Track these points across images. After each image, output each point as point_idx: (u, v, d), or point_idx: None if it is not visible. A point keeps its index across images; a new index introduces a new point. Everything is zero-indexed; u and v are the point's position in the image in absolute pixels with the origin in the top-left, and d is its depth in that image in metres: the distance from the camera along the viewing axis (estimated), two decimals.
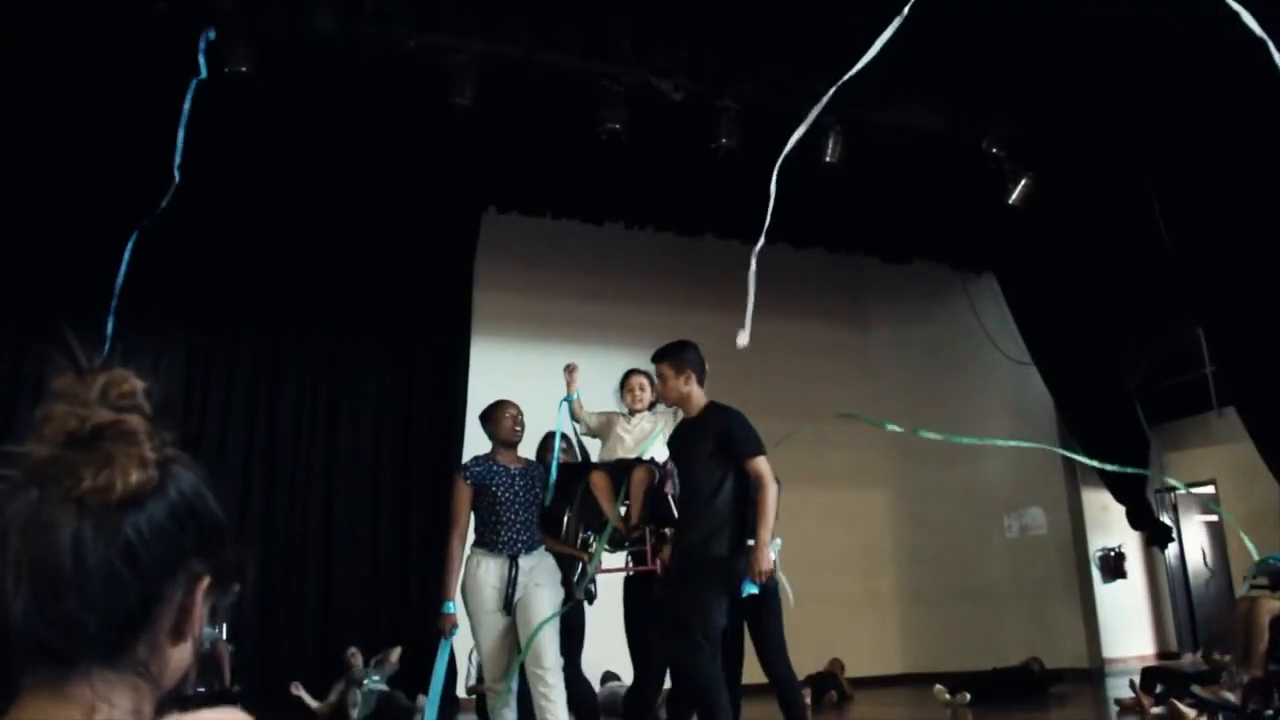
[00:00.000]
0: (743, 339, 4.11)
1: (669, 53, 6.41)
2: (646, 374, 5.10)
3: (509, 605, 4.23)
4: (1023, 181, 7.53)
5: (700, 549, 3.97)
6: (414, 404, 8.87)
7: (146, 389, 0.78)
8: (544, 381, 5.34)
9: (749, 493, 4.06)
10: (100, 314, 4.49)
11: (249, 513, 7.93)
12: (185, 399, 7.67)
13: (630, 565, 4.86)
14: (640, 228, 9.06)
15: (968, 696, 7.53)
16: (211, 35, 2.39)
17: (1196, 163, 7.48)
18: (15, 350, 7.49)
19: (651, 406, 5.01)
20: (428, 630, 7.99)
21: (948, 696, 7.60)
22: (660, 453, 4.93)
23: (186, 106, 2.37)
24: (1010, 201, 7.58)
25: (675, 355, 4.27)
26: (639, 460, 4.87)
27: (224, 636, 6.97)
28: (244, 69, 5.63)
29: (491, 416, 4.51)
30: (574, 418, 4.94)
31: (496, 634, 4.25)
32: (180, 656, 0.77)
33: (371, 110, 6.92)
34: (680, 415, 5.01)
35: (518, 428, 4.48)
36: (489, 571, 4.27)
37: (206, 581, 0.78)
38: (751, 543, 4.01)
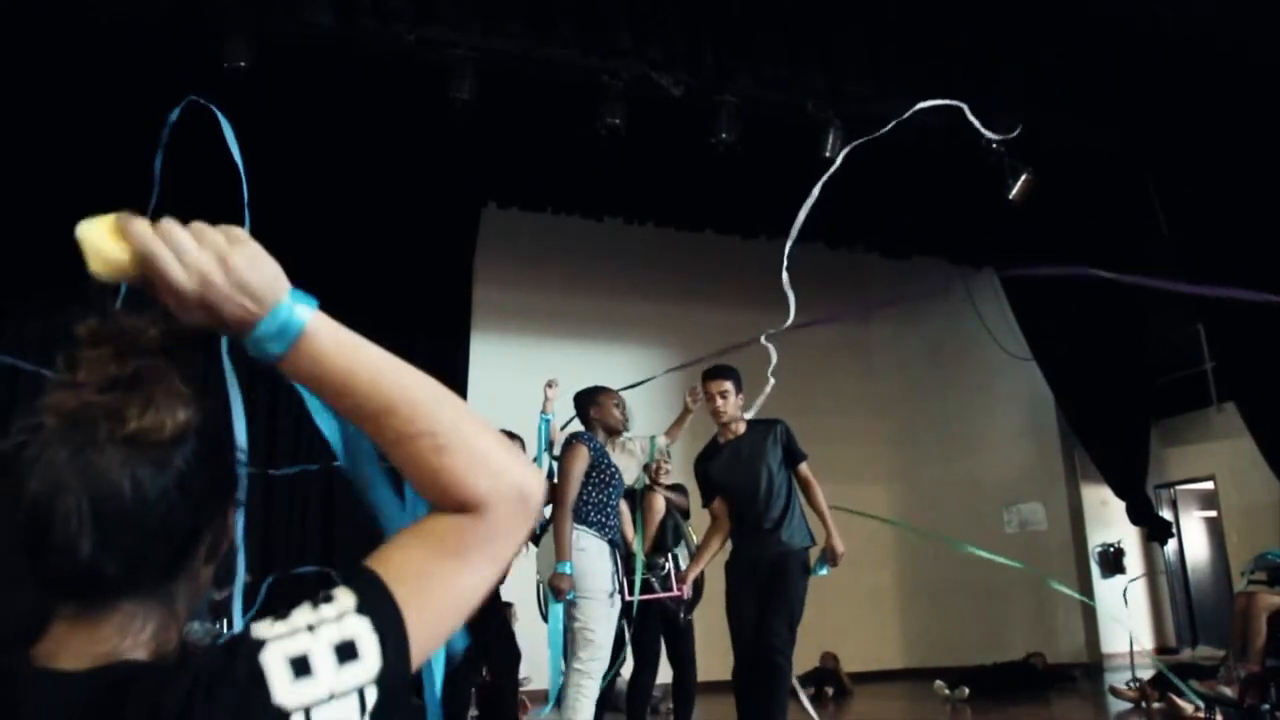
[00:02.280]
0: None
1: (668, 48, 6.40)
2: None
3: (619, 594, 4.03)
4: (1023, 177, 7.51)
5: (793, 545, 4.24)
6: None
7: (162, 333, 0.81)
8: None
9: None
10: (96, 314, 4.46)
11: (249, 512, 7.89)
12: None
13: (681, 586, 4.79)
14: (640, 223, 9.03)
15: (966, 691, 7.53)
16: (173, 117, 2.34)
17: (1195, 156, 7.47)
18: (15, 347, 7.46)
19: None
20: None
21: (947, 692, 7.61)
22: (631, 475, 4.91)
23: (164, 136, 2.33)
24: (1011, 197, 7.56)
25: (738, 377, 4.47)
26: (647, 487, 4.85)
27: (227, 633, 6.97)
28: (243, 64, 5.63)
29: (595, 400, 4.22)
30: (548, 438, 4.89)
31: (614, 619, 3.98)
32: (207, 577, 0.83)
33: (371, 105, 6.90)
34: (655, 440, 5.06)
35: (623, 417, 4.32)
36: (604, 556, 3.95)
37: (235, 505, 0.84)
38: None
